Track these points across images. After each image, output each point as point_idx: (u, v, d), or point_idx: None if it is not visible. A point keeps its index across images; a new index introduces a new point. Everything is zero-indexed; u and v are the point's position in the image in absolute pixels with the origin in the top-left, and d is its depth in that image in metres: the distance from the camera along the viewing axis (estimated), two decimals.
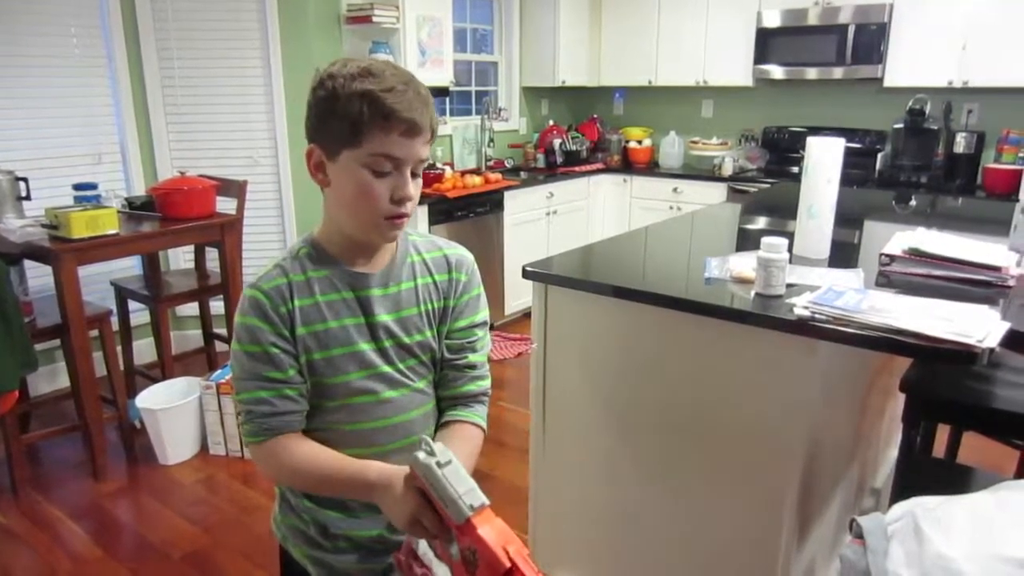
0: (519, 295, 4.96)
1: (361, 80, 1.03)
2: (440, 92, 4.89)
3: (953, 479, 1.82)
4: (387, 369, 1.18)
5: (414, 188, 1.11)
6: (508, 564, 0.84)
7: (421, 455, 0.96)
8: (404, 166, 1.07)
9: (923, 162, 4.65)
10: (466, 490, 0.92)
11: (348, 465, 1.11)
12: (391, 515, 1.02)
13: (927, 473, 1.92)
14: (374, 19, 4.22)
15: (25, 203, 3.21)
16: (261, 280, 1.13)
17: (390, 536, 1.24)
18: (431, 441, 0.97)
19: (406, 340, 1.19)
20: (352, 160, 1.06)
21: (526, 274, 2.06)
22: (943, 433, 2.45)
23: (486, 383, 1.30)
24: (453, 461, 0.95)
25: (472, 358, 1.27)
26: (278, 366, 1.11)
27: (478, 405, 1.28)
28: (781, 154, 5.41)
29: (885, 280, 1.90)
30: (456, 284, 1.26)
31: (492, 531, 0.89)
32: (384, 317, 1.18)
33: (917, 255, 1.93)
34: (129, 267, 4.04)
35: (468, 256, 1.31)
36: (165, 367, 3.51)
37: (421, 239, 1.28)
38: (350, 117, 1.03)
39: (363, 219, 1.11)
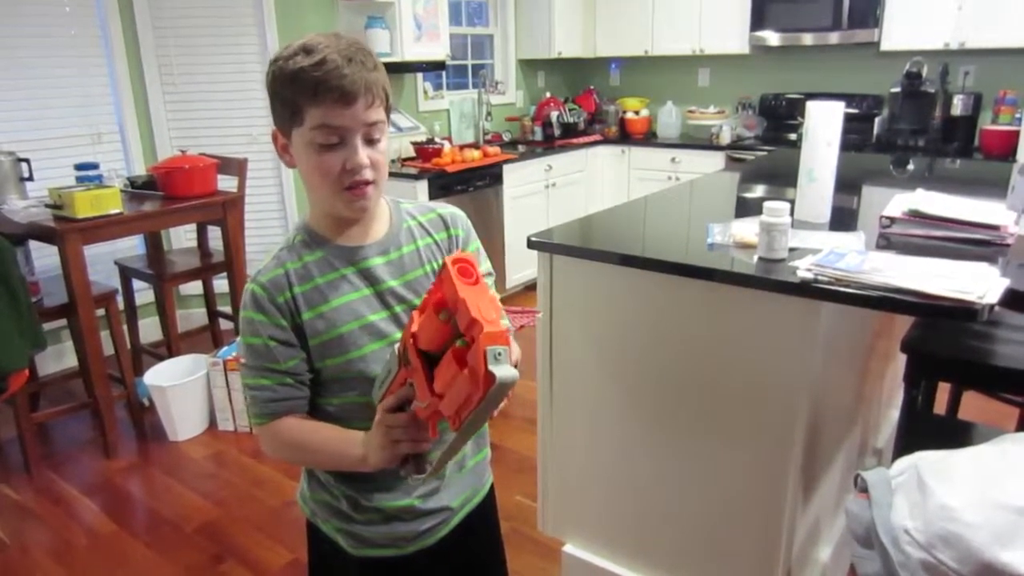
0: (520, 268, 4.99)
1: (295, 59, 1.04)
2: (437, 66, 4.88)
3: (955, 435, 1.85)
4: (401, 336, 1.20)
5: (374, 154, 1.10)
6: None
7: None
8: (351, 134, 1.07)
9: (920, 125, 4.65)
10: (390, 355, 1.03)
11: (337, 440, 1.15)
12: (381, 458, 1.05)
13: (929, 430, 1.96)
14: None
15: (27, 184, 3.22)
16: (259, 273, 1.16)
17: (421, 506, 1.27)
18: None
19: (416, 302, 1.21)
20: (300, 139, 1.08)
21: (531, 244, 2.08)
22: (943, 394, 2.48)
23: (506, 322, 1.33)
24: None
25: None
26: (277, 358, 1.14)
27: None
28: (778, 121, 5.41)
29: (885, 242, 1.92)
30: (456, 240, 1.30)
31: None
32: (391, 283, 1.20)
33: (917, 216, 1.95)
34: (131, 247, 4.05)
35: (461, 212, 1.33)
36: (171, 345, 3.54)
37: (412, 206, 1.30)
38: (288, 99, 1.05)
39: (325, 194, 1.11)
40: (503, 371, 0.79)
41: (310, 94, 1.03)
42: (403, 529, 1.27)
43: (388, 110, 1.13)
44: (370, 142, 1.10)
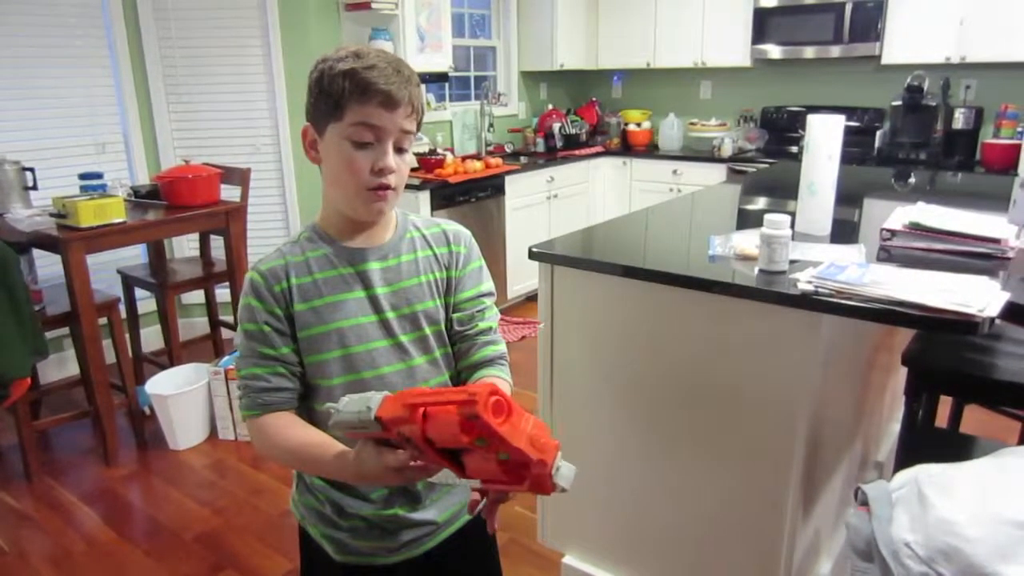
0: (521, 279, 4.99)
1: (346, 61, 1.11)
2: (439, 77, 4.90)
3: (956, 448, 1.85)
4: (388, 342, 1.21)
5: (400, 162, 1.15)
6: (420, 411, 0.89)
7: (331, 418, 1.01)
8: (385, 137, 1.12)
9: (922, 139, 4.66)
10: (361, 407, 0.95)
11: (318, 447, 1.12)
12: (368, 475, 1.03)
13: (930, 443, 1.95)
14: (373, 5, 4.22)
15: (32, 193, 3.24)
16: (260, 263, 1.20)
17: (405, 515, 1.27)
18: (331, 404, 1.01)
19: (407, 311, 1.23)
20: (336, 133, 1.12)
21: (532, 255, 2.08)
22: (944, 407, 2.48)
23: (502, 347, 1.33)
24: (347, 398, 0.99)
25: (482, 326, 1.30)
26: (271, 343, 1.16)
27: (499, 366, 1.30)
28: (780, 134, 5.42)
29: (886, 255, 1.92)
30: (456, 256, 1.31)
31: (390, 407, 0.93)
32: (384, 289, 1.22)
33: (918, 229, 1.95)
34: (134, 256, 4.06)
35: (465, 231, 1.36)
36: (173, 354, 3.54)
37: (419, 219, 1.33)
38: (334, 93, 1.10)
39: (348, 191, 1.15)
40: (564, 480, 0.86)
41: (358, 92, 1.09)
42: (386, 538, 1.27)
43: (419, 125, 1.18)
44: (399, 150, 1.15)
